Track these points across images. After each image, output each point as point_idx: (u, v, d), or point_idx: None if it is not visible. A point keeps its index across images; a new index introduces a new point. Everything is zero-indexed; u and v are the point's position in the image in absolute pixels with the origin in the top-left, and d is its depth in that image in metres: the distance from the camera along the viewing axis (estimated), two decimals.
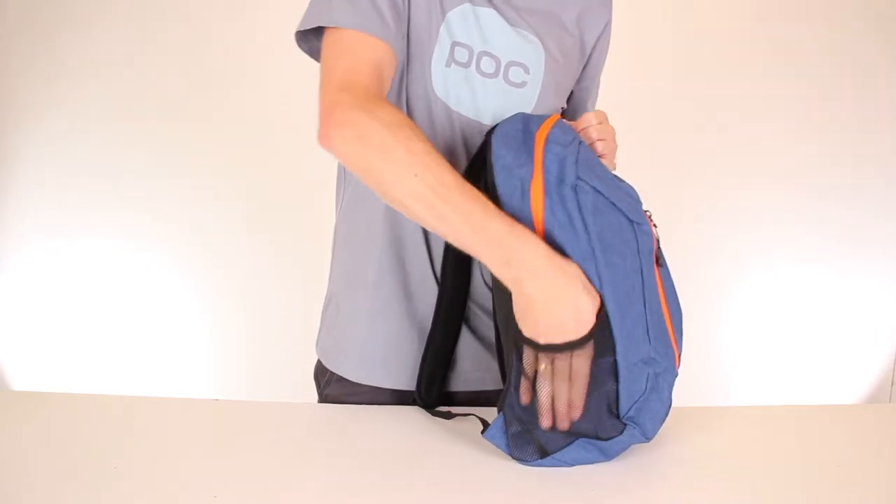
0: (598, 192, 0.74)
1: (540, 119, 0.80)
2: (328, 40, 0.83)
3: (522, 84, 0.93)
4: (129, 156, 2.25)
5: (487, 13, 0.90)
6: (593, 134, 0.88)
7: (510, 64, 0.92)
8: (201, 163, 2.26)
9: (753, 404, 1.01)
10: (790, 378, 2.39)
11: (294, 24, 0.87)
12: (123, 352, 2.31)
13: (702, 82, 2.29)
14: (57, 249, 2.28)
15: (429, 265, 0.94)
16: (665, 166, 2.27)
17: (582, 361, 0.70)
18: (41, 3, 2.19)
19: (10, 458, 0.73)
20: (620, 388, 0.72)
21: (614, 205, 0.74)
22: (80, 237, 2.28)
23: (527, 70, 0.92)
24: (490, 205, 0.71)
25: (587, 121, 0.89)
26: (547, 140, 0.76)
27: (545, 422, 0.71)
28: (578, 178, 0.73)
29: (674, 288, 0.80)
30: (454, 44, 0.89)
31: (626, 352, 0.71)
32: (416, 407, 0.91)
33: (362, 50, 0.81)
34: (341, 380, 0.98)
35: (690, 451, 0.81)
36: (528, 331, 0.69)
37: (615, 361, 0.71)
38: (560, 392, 0.70)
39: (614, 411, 0.73)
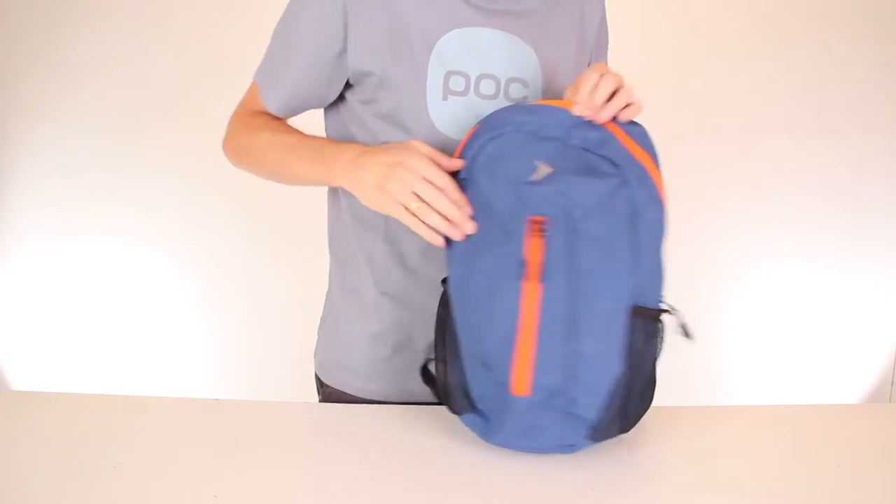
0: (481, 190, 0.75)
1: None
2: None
3: (524, 99, 0.90)
4: (130, 155, 2.24)
5: (479, 32, 0.86)
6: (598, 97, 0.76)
7: (510, 81, 0.88)
8: (202, 163, 2.25)
9: (753, 404, 1.01)
10: (790, 378, 2.39)
11: None
12: (123, 352, 2.30)
13: (702, 82, 2.29)
14: (57, 249, 2.28)
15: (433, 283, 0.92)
16: (666, 166, 2.26)
17: (434, 172, 0.75)
18: (43, 4, 2.19)
19: (10, 458, 0.73)
20: (465, 368, 0.77)
21: (490, 206, 0.74)
22: (80, 237, 2.27)
23: (525, 84, 0.89)
24: (323, 141, 0.90)
25: (587, 82, 0.76)
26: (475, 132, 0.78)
27: (455, 234, 0.75)
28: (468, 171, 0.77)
29: (572, 319, 0.71)
30: (448, 74, 0.85)
31: (464, 339, 0.77)
32: (416, 406, 0.90)
33: (254, 99, 0.97)
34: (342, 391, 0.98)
35: (690, 451, 0.81)
36: (378, 202, 0.78)
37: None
38: (441, 206, 0.74)
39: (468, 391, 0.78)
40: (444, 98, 0.86)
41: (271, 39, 0.94)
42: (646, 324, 0.73)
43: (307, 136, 0.90)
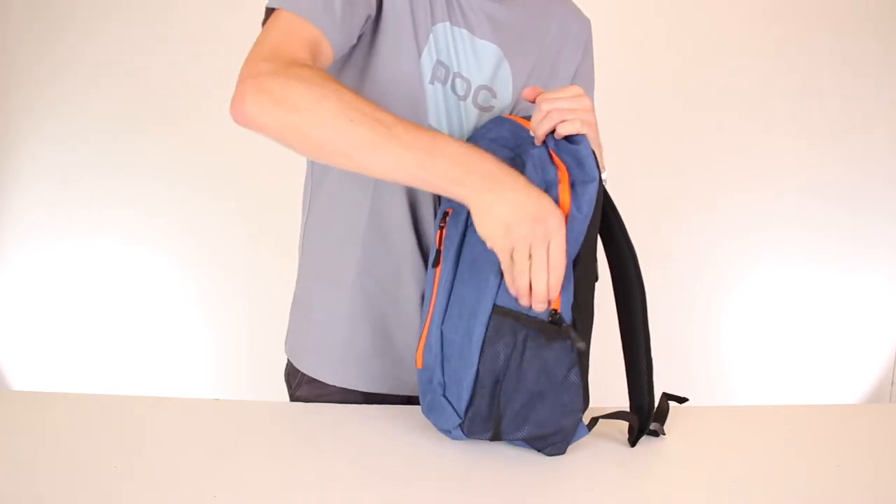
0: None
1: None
2: (268, 21, 0.79)
3: (490, 108, 0.92)
4: (130, 155, 2.25)
5: (462, 34, 0.89)
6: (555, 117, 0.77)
7: (480, 88, 0.91)
8: (202, 163, 2.26)
9: (753, 404, 1.01)
10: (790, 378, 2.39)
11: None
12: (123, 352, 2.30)
13: (702, 83, 2.29)
14: (57, 249, 2.28)
15: (419, 259, 0.93)
16: (666, 166, 2.26)
17: (561, 250, 0.69)
18: (44, 6, 2.19)
19: (10, 458, 0.73)
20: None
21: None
22: (80, 237, 2.27)
23: (494, 94, 0.92)
24: (437, 132, 0.72)
25: (538, 112, 0.77)
26: None
27: (524, 301, 0.71)
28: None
29: (466, 305, 0.75)
30: (438, 62, 0.88)
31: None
32: (415, 406, 0.90)
33: (296, 29, 0.77)
34: (312, 381, 0.98)
35: (690, 451, 0.81)
36: (497, 237, 0.69)
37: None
38: (538, 281, 0.70)
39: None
40: (432, 82, 0.88)
41: None
42: (506, 327, 0.72)
43: (401, 118, 0.71)
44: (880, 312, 2.40)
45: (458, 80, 0.89)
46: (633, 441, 0.80)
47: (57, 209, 2.26)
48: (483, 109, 0.92)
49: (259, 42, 0.77)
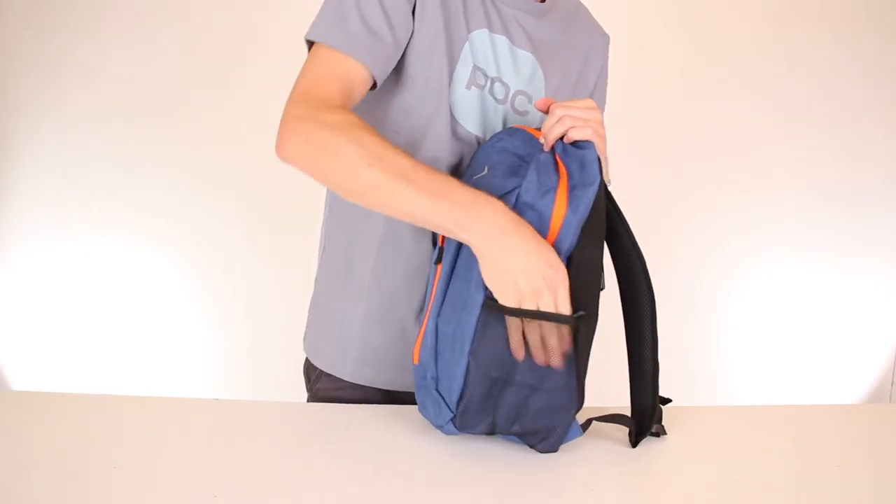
0: None
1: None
2: (310, 54, 0.84)
3: (526, 113, 0.95)
4: (130, 155, 2.25)
5: (501, 41, 0.92)
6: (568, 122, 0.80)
7: (517, 93, 0.94)
8: (202, 162, 2.26)
9: (753, 404, 1.01)
10: (790, 378, 2.39)
11: (295, 25, 0.88)
12: (123, 352, 2.30)
13: (702, 83, 2.29)
14: (57, 249, 2.28)
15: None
16: (666, 166, 2.26)
17: (564, 302, 0.71)
18: (45, 5, 2.19)
19: (10, 458, 0.73)
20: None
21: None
22: (80, 237, 2.27)
23: (530, 99, 0.95)
24: (450, 177, 0.75)
25: (551, 118, 0.80)
26: None
27: (539, 359, 0.73)
28: None
29: (459, 299, 0.76)
30: (475, 67, 0.90)
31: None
32: (414, 406, 0.90)
33: (334, 65, 0.82)
34: (331, 374, 0.99)
35: (690, 451, 0.81)
36: (503, 290, 0.71)
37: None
38: (550, 336, 0.72)
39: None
40: (469, 87, 0.90)
41: (333, 7, 0.84)
42: (497, 319, 0.72)
43: (418, 162, 0.76)
44: (880, 312, 2.40)
45: (496, 85, 0.92)
46: (634, 442, 0.80)
47: (57, 209, 2.26)
48: (520, 114, 0.94)
49: (298, 81, 0.82)
